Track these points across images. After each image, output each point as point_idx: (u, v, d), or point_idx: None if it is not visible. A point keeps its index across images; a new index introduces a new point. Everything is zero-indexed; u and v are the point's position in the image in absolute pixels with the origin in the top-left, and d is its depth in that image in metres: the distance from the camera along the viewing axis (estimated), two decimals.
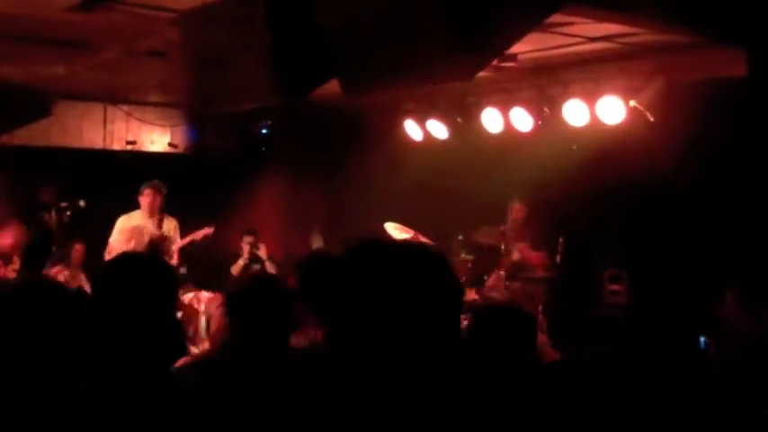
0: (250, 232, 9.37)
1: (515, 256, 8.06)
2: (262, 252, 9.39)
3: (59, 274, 7.58)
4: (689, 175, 6.75)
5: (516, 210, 8.20)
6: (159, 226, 7.87)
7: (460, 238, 8.36)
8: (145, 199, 7.95)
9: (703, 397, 3.38)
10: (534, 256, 7.96)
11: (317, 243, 10.73)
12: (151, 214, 7.92)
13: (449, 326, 1.69)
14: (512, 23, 3.32)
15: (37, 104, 8.86)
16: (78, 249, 8.24)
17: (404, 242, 1.84)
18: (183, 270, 9.20)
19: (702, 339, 5.18)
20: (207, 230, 8.36)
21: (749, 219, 6.45)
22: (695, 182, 6.78)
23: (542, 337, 4.40)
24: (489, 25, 3.18)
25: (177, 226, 8.13)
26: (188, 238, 8.26)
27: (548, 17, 3.75)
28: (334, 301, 1.70)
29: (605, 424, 2.93)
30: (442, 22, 3.20)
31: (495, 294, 7.93)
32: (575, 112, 7.37)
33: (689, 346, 5.50)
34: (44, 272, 7.63)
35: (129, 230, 7.77)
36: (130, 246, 7.48)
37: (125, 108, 9.67)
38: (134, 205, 7.96)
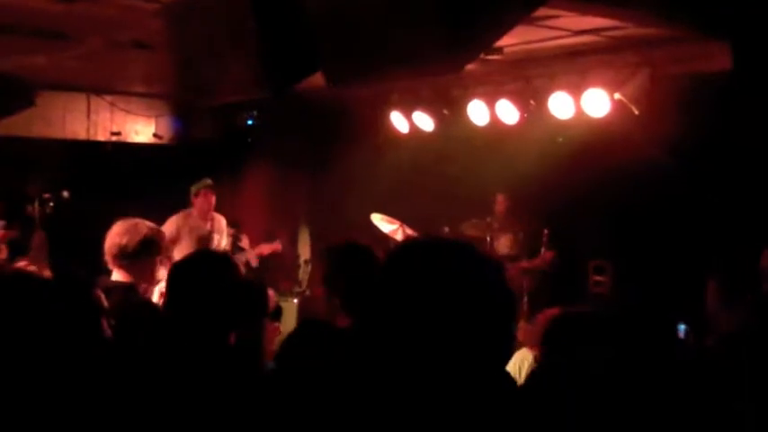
0: (232, 225, 9.35)
1: (502, 249, 8.13)
2: (244, 243, 9.37)
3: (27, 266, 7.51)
4: (673, 168, 6.79)
5: (499, 202, 8.25)
6: (212, 228, 7.87)
7: (447, 230, 8.38)
8: (200, 200, 7.88)
9: (677, 388, 3.40)
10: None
11: (302, 235, 10.72)
12: (205, 216, 7.85)
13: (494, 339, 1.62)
14: (500, 16, 3.32)
15: (19, 95, 8.78)
16: (39, 237, 8.16)
17: (464, 245, 1.74)
18: None
19: (683, 327, 5.21)
20: (276, 246, 8.37)
21: (733, 211, 6.49)
22: (679, 174, 6.82)
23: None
24: (478, 18, 3.18)
25: (224, 221, 8.15)
26: (255, 251, 8.25)
27: (536, 10, 3.75)
28: (377, 295, 1.64)
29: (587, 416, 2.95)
30: (431, 14, 3.19)
31: None
32: (560, 105, 7.38)
33: (670, 338, 5.53)
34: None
35: (178, 227, 7.76)
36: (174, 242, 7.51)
37: (109, 98, 9.58)
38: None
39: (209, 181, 8.00)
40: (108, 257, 4.01)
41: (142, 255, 3.96)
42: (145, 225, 4.06)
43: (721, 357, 3.58)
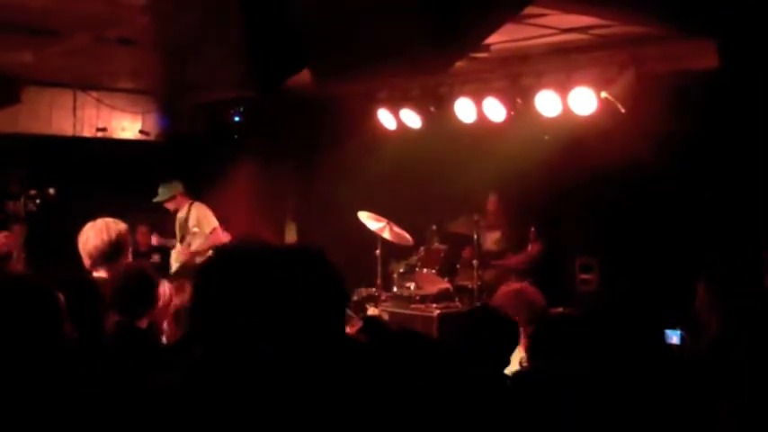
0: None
1: (489, 246, 8.14)
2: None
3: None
4: (660, 166, 6.82)
5: (491, 201, 8.26)
6: (186, 217, 8.47)
7: (434, 227, 8.38)
8: None
9: (666, 393, 3.41)
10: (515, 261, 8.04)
11: (289, 232, 10.70)
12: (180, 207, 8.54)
13: (329, 328, 1.66)
14: (488, 15, 3.33)
15: (5, 91, 8.73)
16: (15, 230, 8.12)
17: (275, 246, 1.78)
18: (156, 259, 9.16)
19: (679, 333, 5.22)
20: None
21: (720, 209, 6.53)
22: (666, 172, 6.85)
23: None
24: (466, 17, 3.18)
25: (205, 213, 8.54)
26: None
27: (524, 9, 3.76)
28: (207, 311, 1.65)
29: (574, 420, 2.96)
30: (420, 12, 3.19)
31: (467, 283, 7.98)
32: (547, 103, 7.40)
33: (655, 340, 5.55)
34: None
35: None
36: None
37: (95, 94, 9.53)
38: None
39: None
40: (88, 259, 4.08)
41: (118, 254, 4.13)
42: (115, 226, 4.15)
43: (713, 358, 3.58)
